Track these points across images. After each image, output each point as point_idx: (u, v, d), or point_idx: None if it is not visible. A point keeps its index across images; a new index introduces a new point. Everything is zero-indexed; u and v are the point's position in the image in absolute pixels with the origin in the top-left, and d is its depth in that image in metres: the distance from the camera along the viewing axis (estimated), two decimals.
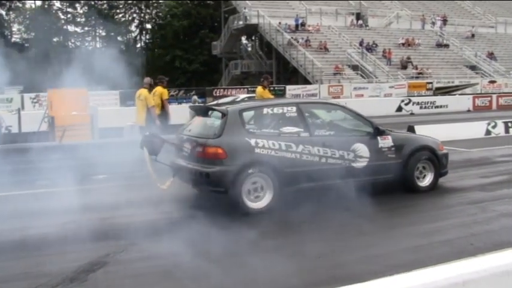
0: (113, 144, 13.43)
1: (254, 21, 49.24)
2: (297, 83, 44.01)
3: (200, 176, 9.20)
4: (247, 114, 9.81)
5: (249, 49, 59.91)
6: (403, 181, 10.61)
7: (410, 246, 7.43)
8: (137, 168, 11.37)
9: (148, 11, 78.88)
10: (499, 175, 12.49)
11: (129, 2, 76.57)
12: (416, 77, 45.51)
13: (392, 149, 10.40)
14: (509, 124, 21.55)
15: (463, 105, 36.94)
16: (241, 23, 50.96)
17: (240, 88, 39.46)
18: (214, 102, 22.18)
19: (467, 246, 7.31)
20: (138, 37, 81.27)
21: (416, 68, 47.13)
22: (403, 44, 51.53)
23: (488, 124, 20.52)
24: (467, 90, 44.27)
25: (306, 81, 43.19)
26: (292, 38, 46.48)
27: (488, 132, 20.42)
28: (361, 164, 10.05)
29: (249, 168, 9.16)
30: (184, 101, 35.25)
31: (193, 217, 8.74)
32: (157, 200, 9.86)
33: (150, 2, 77.47)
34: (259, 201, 9.25)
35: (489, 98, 39.03)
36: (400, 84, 42.02)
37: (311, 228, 8.33)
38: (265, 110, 9.92)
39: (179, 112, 22.08)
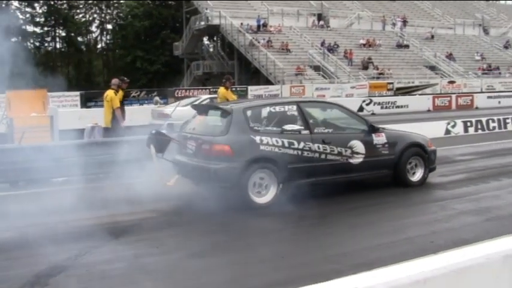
0: (73, 146, 13.24)
1: (216, 21, 49.16)
2: (258, 84, 44.04)
3: (207, 172, 9.44)
4: (251, 113, 10.06)
5: (211, 50, 59.78)
6: (396, 176, 11.07)
7: (372, 244, 7.47)
8: (98, 170, 11.28)
9: (109, 11, 78.08)
10: (459, 174, 12.68)
11: (90, 2, 75.72)
12: (377, 78, 45.91)
13: (386, 145, 10.87)
14: (468, 123, 21.91)
15: (423, 105, 37.34)
16: (202, 23, 50.84)
17: (202, 89, 39.32)
18: (176, 103, 22.00)
19: (428, 244, 7.39)
20: (98, 37, 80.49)
21: (377, 69, 47.56)
22: (364, 45, 51.95)
23: (448, 124, 20.81)
24: (427, 91, 44.81)
25: (268, 82, 43.25)
26: (253, 38, 46.54)
27: (447, 131, 20.70)
28: (357, 160, 10.48)
29: (255, 165, 9.48)
30: (146, 102, 35.01)
31: (157, 218, 8.72)
32: (118, 201, 9.79)
33: (111, 2, 76.73)
34: (263, 196, 9.57)
35: (448, 98, 39.53)
36: (361, 85, 42.33)
37: (277, 229, 8.34)
38: (267, 109, 10.30)
39: (140, 113, 21.89)
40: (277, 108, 10.30)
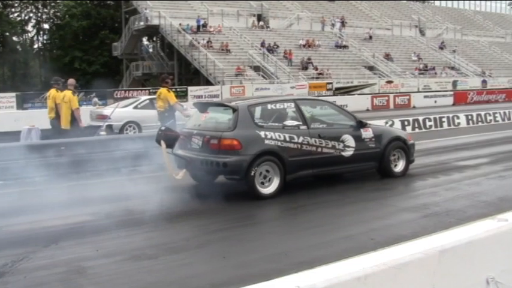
0: (9, 149, 12.95)
1: (155, 22, 48.81)
2: (198, 84, 43.94)
3: (217, 165, 10.11)
4: (255, 110, 10.76)
5: (151, 50, 59.22)
6: (381, 168, 11.97)
7: (313, 243, 7.51)
8: (36, 173, 11.07)
9: (45, 10, 76.51)
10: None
11: (25, 0, 74.04)
12: (317, 78, 46.27)
13: (373, 139, 11.75)
14: (406, 122, 22.34)
15: (362, 104, 37.87)
16: (142, 23, 50.36)
17: (141, 90, 38.92)
18: (115, 104, 21.75)
19: (368, 241, 7.48)
20: (35, 37, 78.83)
21: (317, 69, 47.94)
22: (303, 45, 52.33)
23: (386, 123, 21.09)
24: (366, 90, 45.48)
25: (208, 82, 43.16)
26: (193, 39, 46.36)
27: None
28: (349, 152, 11.32)
29: (260, 158, 10.15)
30: (84, 103, 34.38)
31: (98, 221, 8.61)
32: (57, 204, 9.62)
33: (48, 1, 75.20)
34: (268, 187, 10.26)
35: (386, 98, 40.21)
36: (301, 85, 42.61)
37: (219, 229, 8.31)
38: (269, 106, 11.02)
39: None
40: (278, 106, 11.05)
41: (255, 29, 53.48)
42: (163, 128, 11.35)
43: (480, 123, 25.29)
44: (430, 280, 3.61)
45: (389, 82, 48.61)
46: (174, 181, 10.96)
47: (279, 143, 10.38)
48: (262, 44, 48.73)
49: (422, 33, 67.50)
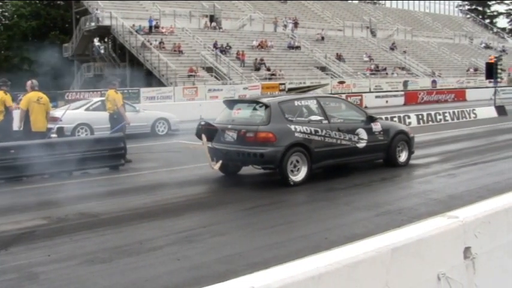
0: None
1: (107, 22, 48.27)
2: (151, 86, 43.55)
3: (254, 156, 11.23)
4: (284, 106, 11.83)
5: (102, 51, 58.59)
6: (388, 158, 13.28)
7: (268, 243, 7.54)
8: None
9: None
10: (348, 172, 12.95)
11: None
12: (269, 78, 46.40)
13: (381, 132, 13.03)
14: None
15: None
16: (93, 24, 49.78)
17: (93, 91, 38.39)
18: (66, 106, 21.42)
19: (322, 240, 7.54)
20: None
21: (269, 70, 48.11)
22: (256, 46, 52.43)
23: None
24: (318, 91, 45.67)
25: (161, 84, 42.85)
26: (145, 40, 46.01)
27: None
28: (362, 144, 12.56)
29: (292, 149, 11.29)
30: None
31: (49, 225, 8.49)
32: (7, 209, 9.46)
33: None
34: (297, 175, 11.38)
35: None
36: (253, 85, 42.66)
37: (173, 231, 8.26)
38: (295, 102, 12.25)
39: None
40: (303, 102, 12.35)
41: (208, 29, 53.37)
42: (203, 122, 12.19)
43: (430, 123, 25.71)
44: (383, 278, 3.65)
45: (342, 82, 49.07)
46: (126, 183, 10.89)
47: (306, 136, 11.54)
48: (215, 45, 48.64)
49: (373, 34, 68.32)
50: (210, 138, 11.85)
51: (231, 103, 13.07)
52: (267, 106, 11.62)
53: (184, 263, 6.77)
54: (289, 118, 11.61)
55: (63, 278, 6.32)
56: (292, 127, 11.43)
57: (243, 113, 12.33)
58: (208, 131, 11.84)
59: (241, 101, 14.71)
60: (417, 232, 4.02)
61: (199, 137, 11.91)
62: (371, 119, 12.99)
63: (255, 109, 12.22)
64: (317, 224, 8.51)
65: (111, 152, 13.77)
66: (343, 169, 12.84)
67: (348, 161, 12.78)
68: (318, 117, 12.02)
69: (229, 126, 11.82)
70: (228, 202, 10.28)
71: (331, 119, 12.23)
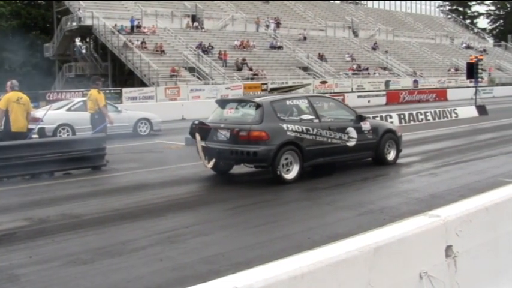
0: None
1: (88, 22, 48.01)
2: (133, 86, 43.43)
3: (247, 154, 11.31)
4: (276, 105, 11.98)
5: (84, 51, 58.31)
6: (377, 156, 13.47)
7: (250, 243, 7.53)
8: None
9: None
10: (331, 171, 12.97)
11: None
12: (252, 78, 46.43)
13: (370, 131, 13.24)
14: None
15: None
16: (74, 24, 49.47)
17: (74, 91, 38.14)
18: (48, 106, 21.25)
19: (305, 240, 7.55)
20: None
21: (251, 70, 48.12)
22: (238, 46, 52.43)
23: None
24: (301, 91, 45.75)
25: (143, 84, 42.72)
26: (127, 40, 45.82)
27: None
28: (352, 143, 12.72)
29: (284, 147, 11.43)
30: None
31: (31, 226, 8.43)
32: None
33: None
34: (289, 173, 11.56)
35: None
36: (236, 86, 42.64)
37: (156, 232, 8.23)
38: (287, 102, 12.44)
39: None
40: (294, 101, 12.52)
41: (190, 29, 53.26)
42: (196, 122, 12.22)
43: (412, 123, 25.80)
44: (366, 277, 3.67)
45: (324, 82, 49.23)
46: (108, 184, 10.83)
47: (298, 134, 11.68)
48: (198, 46, 48.54)
49: (355, 34, 68.61)
50: (203, 137, 11.93)
51: (223, 102, 13.22)
52: (259, 105, 11.76)
53: (167, 263, 6.75)
54: (281, 117, 11.77)
55: (44, 279, 6.27)
56: (285, 126, 11.57)
57: (235, 112, 12.46)
58: (201, 130, 11.94)
59: (233, 100, 14.83)
60: (399, 231, 4.05)
61: (193, 136, 12.03)
62: (360, 118, 13.19)
63: (247, 108, 12.30)
64: (300, 224, 8.52)
65: (93, 153, 13.68)
66: (326, 169, 12.85)
67: (338, 160, 12.90)
68: (309, 116, 12.17)
69: (222, 125, 11.92)
70: (210, 202, 10.30)
71: (321, 118, 12.41)
